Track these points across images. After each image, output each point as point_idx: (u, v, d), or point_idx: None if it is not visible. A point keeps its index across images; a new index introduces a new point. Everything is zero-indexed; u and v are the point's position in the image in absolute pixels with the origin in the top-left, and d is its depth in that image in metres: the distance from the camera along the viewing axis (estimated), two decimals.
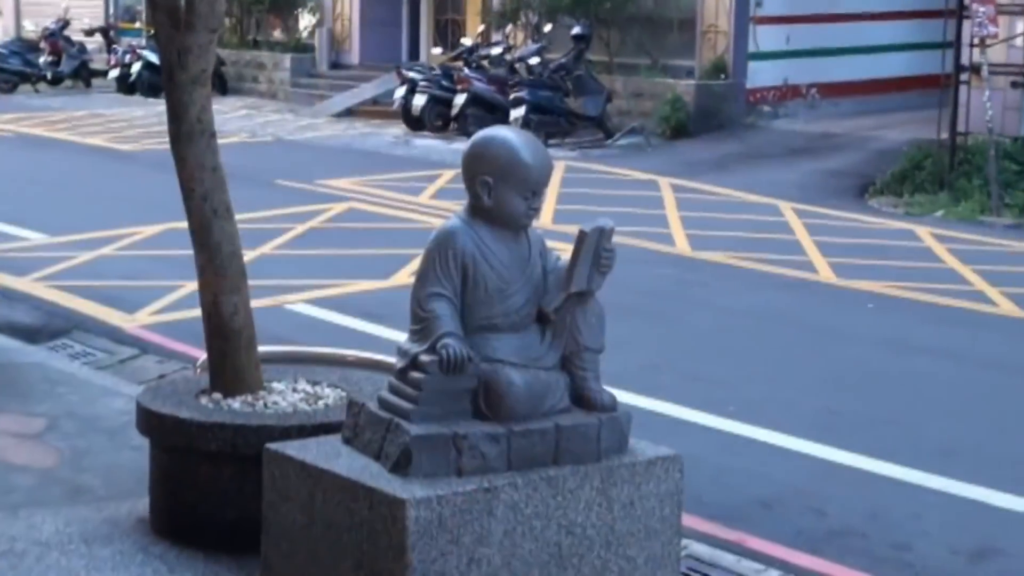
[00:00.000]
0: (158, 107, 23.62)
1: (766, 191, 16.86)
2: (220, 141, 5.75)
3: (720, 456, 7.45)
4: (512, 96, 20.72)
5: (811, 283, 11.98)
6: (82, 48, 29.58)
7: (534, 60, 21.53)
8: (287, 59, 27.71)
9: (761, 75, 22.36)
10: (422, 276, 4.53)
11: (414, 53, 26.86)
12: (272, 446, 4.70)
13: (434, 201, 15.92)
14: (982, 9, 16.28)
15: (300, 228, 13.94)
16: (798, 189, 17.13)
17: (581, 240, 4.51)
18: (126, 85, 27.84)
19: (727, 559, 6.08)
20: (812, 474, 7.27)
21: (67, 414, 7.33)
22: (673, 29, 22.78)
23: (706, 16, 22.19)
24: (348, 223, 14.44)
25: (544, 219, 13.98)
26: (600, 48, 22.68)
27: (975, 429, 8.11)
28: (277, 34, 28.97)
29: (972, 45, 16.66)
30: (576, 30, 21.40)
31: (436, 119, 21.99)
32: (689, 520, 6.04)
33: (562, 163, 18.55)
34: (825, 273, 12.31)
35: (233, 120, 23.71)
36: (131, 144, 20.53)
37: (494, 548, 4.35)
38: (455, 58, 22.85)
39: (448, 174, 17.62)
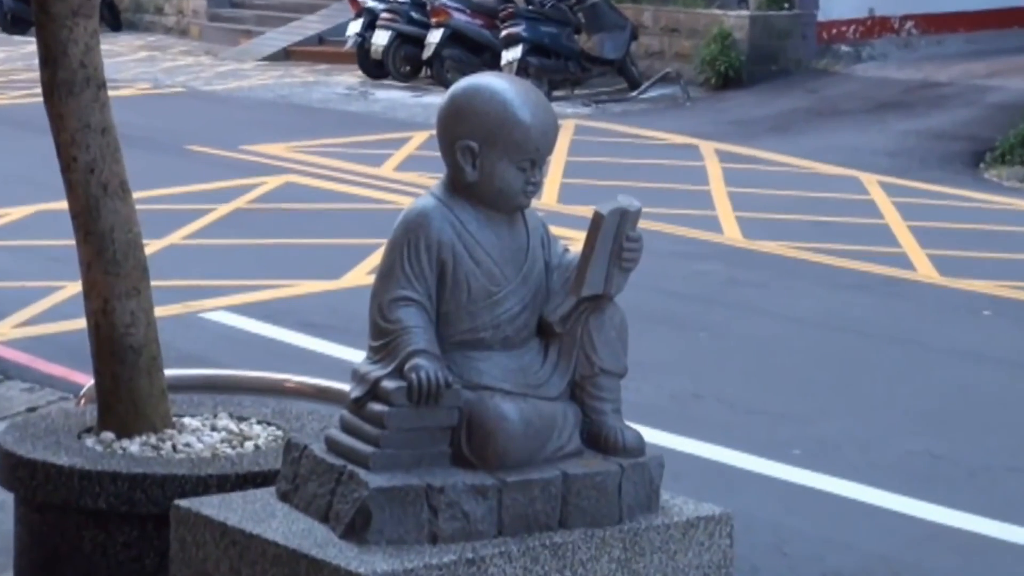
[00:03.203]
0: (26, 47, 23.60)
1: (844, 160, 16.87)
2: (112, 93, 5.74)
3: (783, 515, 7.45)
4: (504, 33, 20.72)
5: (906, 283, 11.99)
6: None
7: None
8: None
9: (838, 4, 22.37)
10: (385, 275, 4.54)
11: None
12: (183, 503, 4.70)
13: (400, 174, 15.92)
14: None
15: (221, 210, 13.94)
16: (888, 157, 17.14)
17: (597, 226, 4.51)
18: None
19: None
20: (907, 539, 7.28)
21: None
22: None
23: None
24: (285, 203, 14.43)
25: (547, 198, 13.99)
26: None
27: None
28: None
29: None
30: None
31: (403, 63, 21.99)
32: None
33: (571, 122, 18.55)
34: (925, 270, 12.33)
35: (130, 65, 23.68)
36: None
37: None
38: None
39: (419, 137, 17.62)
